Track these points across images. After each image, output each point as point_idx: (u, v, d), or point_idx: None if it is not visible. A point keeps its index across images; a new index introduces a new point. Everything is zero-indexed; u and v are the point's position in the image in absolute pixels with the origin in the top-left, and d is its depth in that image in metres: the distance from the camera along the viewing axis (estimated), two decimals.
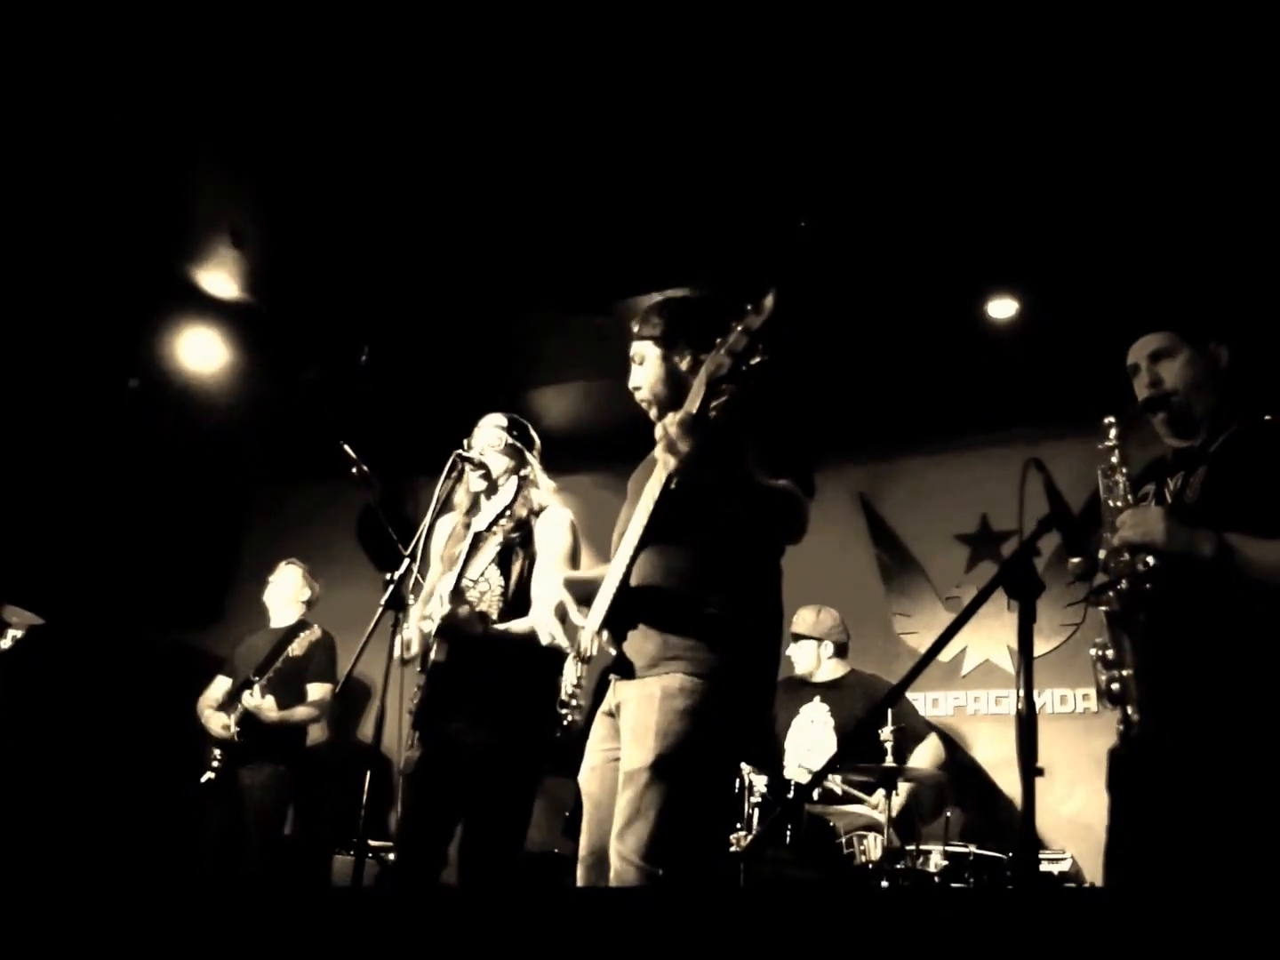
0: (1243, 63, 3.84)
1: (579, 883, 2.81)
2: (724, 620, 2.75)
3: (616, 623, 2.81)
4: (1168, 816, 2.47)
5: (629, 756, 2.70)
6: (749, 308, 2.54)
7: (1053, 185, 4.42)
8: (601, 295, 5.43)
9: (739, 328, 2.53)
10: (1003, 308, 5.25)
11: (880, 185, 4.56)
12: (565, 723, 2.85)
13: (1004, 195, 4.51)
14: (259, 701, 5.42)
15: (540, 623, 2.96)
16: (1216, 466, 2.66)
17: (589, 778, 2.89)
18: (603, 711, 2.90)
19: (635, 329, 3.04)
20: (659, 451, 2.61)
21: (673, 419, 2.59)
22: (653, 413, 2.97)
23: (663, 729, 2.64)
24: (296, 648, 5.57)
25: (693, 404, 2.61)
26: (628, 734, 2.73)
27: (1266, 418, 2.71)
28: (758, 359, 2.56)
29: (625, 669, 2.78)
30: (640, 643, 2.78)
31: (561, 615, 2.93)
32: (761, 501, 2.74)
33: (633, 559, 2.77)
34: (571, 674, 2.87)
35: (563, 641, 2.91)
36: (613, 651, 2.79)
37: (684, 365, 2.93)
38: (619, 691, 2.82)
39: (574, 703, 2.85)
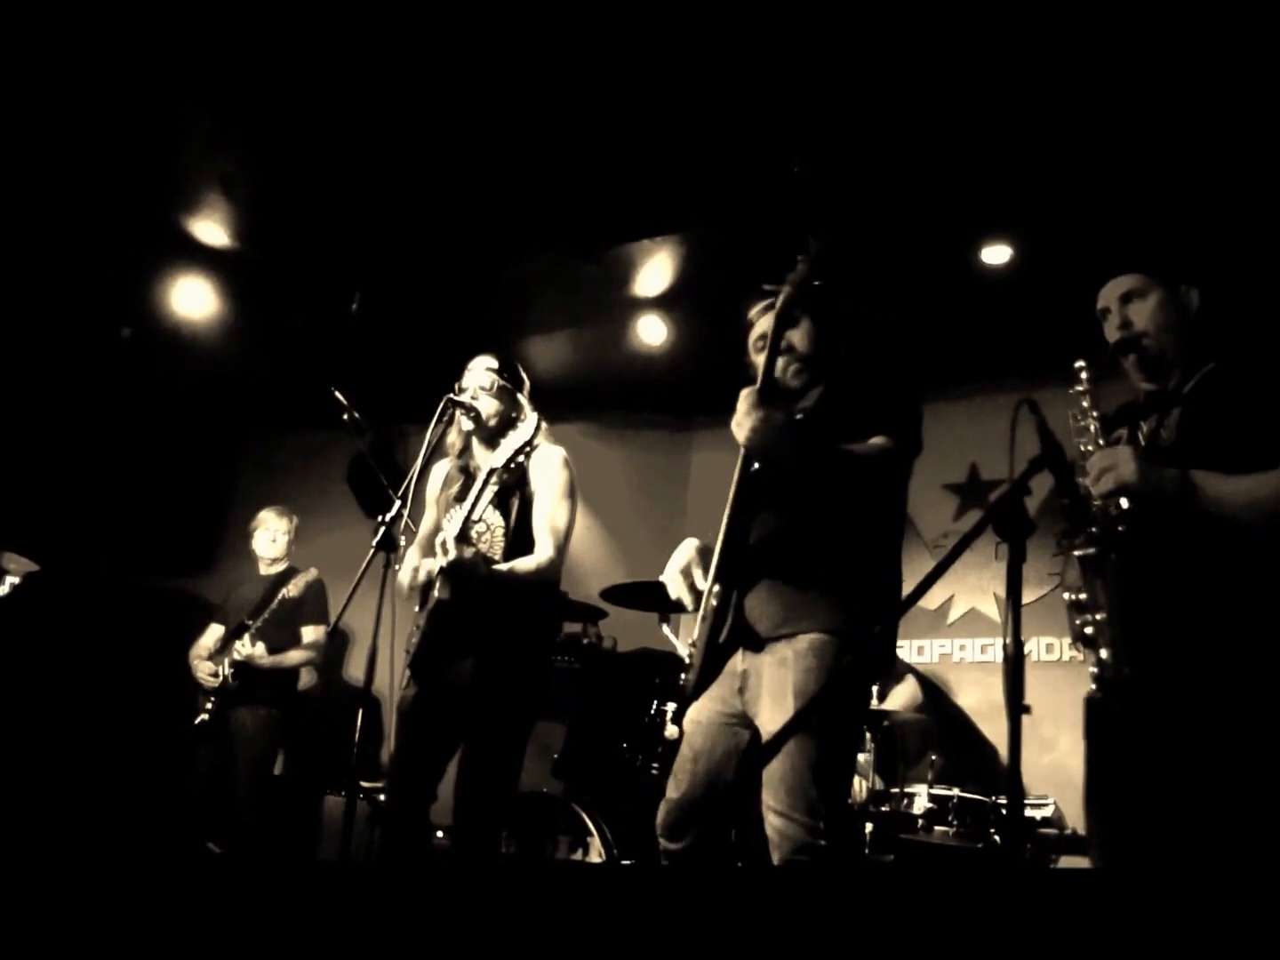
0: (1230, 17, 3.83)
1: (659, 820, 2.87)
2: (844, 576, 2.79)
3: (727, 579, 2.84)
4: (1147, 760, 2.47)
5: (770, 719, 2.72)
6: (798, 258, 2.62)
7: (1047, 129, 4.40)
8: (591, 243, 5.41)
9: (792, 275, 2.64)
10: (997, 254, 5.23)
11: (873, 131, 4.54)
12: (681, 681, 2.88)
13: (997, 141, 4.49)
14: (250, 650, 5.50)
15: (670, 581, 2.98)
16: (1192, 407, 2.62)
17: (695, 730, 2.91)
18: (725, 672, 2.90)
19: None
20: (733, 424, 2.67)
21: (743, 395, 2.63)
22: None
23: (800, 689, 2.67)
24: (292, 589, 5.64)
25: (762, 368, 2.67)
26: (765, 699, 2.76)
27: (1238, 357, 2.65)
28: (817, 281, 2.60)
29: (748, 637, 2.81)
30: (763, 605, 2.82)
31: (688, 576, 2.95)
32: (846, 469, 2.76)
33: (733, 519, 2.80)
34: (691, 632, 2.90)
35: (687, 601, 2.95)
36: (714, 604, 2.83)
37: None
38: (745, 659, 2.85)
39: (690, 661, 2.88)
